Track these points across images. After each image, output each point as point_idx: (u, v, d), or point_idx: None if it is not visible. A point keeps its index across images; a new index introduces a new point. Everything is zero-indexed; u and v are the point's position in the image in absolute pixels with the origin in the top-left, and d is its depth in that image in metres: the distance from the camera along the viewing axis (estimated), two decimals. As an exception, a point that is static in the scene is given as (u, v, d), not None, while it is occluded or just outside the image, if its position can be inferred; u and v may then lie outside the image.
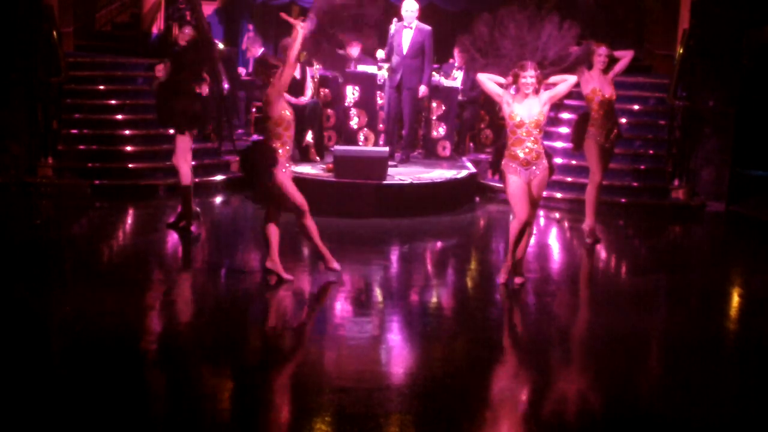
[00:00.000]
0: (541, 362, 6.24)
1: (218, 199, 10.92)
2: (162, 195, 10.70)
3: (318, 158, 11.33)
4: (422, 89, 11.20)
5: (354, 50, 11.94)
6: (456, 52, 12.31)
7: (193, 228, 8.98)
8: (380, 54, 11.45)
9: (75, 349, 6.13)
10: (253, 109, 13.09)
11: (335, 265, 7.66)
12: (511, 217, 7.61)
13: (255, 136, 12.71)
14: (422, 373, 5.91)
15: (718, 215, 11.19)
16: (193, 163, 9.40)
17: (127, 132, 11.36)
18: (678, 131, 11.42)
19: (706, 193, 11.43)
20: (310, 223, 7.50)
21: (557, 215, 10.74)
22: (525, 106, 7.35)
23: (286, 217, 7.56)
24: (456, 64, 12.41)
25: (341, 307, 7.31)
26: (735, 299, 8.16)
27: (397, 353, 6.34)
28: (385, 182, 10.19)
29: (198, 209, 9.12)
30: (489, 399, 5.69)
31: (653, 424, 5.35)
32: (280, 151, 7.26)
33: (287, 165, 7.34)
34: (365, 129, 11.83)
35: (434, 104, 11.93)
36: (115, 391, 5.40)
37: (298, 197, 7.41)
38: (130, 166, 11.02)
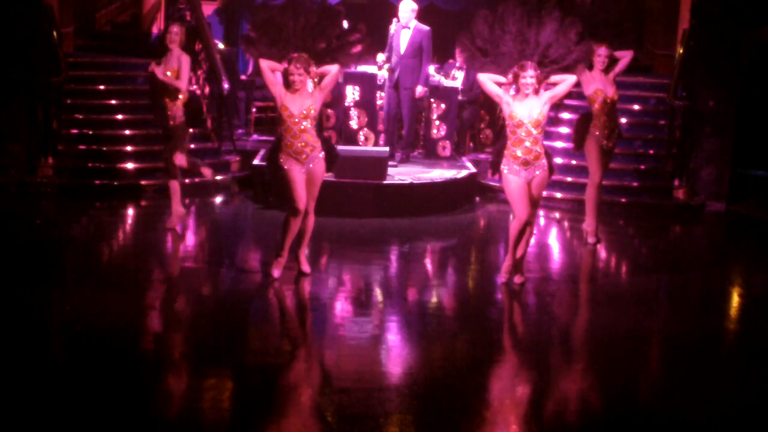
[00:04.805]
0: (541, 362, 6.24)
1: (218, 199, 10.91)
2: (157, 195, 10.67)
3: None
4: (419, 89, 11.17)
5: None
6: (457, 52, 12.31)
7: (168, 223, 8.97)
8: (380, 57, 11.38)
9: (75, 349, 6.13)
10: (253, 109, 13.10)
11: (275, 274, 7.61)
12: (511, 217, 7.61)
13: (255, 136, 12.74)
14: (422, 373, 5.91)
15: (718, 215, 11.19)
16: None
17: (127, 132, 11.34)
18: (678, 131, 11.41)
19: (706, 193, 11.43)
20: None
21: (557, 215, 10.75)
22: (525, 106, 7.33)
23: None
24: (456, 64, 12.40)
25: (341, 307, 7.31)
26: (735, 299, 8.16)
27: (397, 353, 6.34)
28: (385, 182, 10.19)
29: (183, 210, 9.11)
30: (489, 399, 5.69)
31: (653, 424, 5.35)
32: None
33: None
34: (365, 129, 11.83)
35: (434, 104, 11.93)
36: (114, 391, 5.39)
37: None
38: (130, 166, 11.02)
